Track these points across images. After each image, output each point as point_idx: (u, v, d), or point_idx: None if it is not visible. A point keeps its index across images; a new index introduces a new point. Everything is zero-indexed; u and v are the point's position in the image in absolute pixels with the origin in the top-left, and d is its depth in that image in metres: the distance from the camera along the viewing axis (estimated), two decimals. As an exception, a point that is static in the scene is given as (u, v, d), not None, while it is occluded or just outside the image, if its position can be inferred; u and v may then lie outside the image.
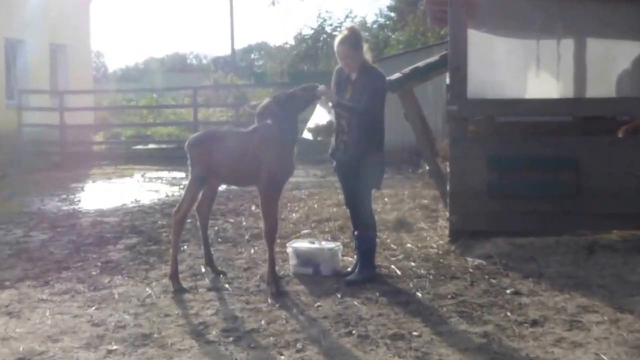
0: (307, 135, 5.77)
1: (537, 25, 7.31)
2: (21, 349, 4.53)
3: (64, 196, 11.69)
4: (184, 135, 18.38)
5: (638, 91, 7.39)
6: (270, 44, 60.56)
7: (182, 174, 13.78)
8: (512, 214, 6.84)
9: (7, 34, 17.83)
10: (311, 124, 5.75)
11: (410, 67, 7.86)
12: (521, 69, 7.82)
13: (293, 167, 5.90)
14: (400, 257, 6.67)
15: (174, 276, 5.89)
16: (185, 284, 5.90)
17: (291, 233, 7.84)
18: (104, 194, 12.01)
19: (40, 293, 5.84)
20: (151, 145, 19.33)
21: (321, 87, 5.72)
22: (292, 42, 40.48)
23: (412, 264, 6.40)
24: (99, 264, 6.79)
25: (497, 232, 6.82)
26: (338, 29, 33.53)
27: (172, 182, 13.42)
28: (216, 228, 8.26)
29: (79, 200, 11.29)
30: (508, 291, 5.50)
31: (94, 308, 5.38)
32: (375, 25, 34.43)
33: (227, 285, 5.90)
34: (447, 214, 7.26)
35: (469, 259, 6.48)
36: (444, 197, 7.68)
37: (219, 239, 7.72)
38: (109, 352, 4.47)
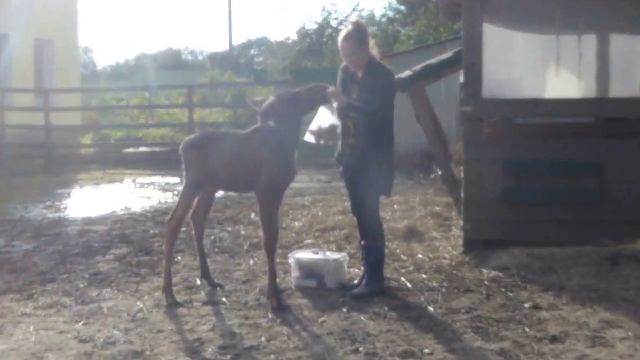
0: (308, 138, 5.78)
1: (558, 20, 7.30)
2: (3, 366, 4.56)
3: (49, 203, 11.73)
4: (178, 137, 18.48)
5: (666, 90, 7.39)
6: (271, 39, 60.76)
7: (176, 179, 13.82)
8: (531, 222, 6.85)
9: (-11, 28, 17.92)
10: (313, 126, 5.76)
11: (422, 65, 7.87)
12: (540, 67, 7.81)
13: (295, 172, 5.91)
14: (411, 268, 6.68)
15: (167, 289, 5.90)
16: (179, 298, 5.92)
17: (293, 243, 7.86)
18: (92, 201, 12.04)
19: (23, 307, 5.86)
20: (143, 148, 19.39)
21: (331, 89, 5.71)
22: (294, 37, 40.51)
23: (424, 276, 6.41)
24: (87, 275, 6.82)
25: (515, 241, 6.82)
26: (344, 22, 33.55)
27: (165, 188, 13.45)
28: (212, 237, 8.28)
29: (65, 207, 11.33)
30: (526, 305, 5.51)
31: (81, 323, 5.40)
32: (383, 19, 34.42)
33: (224, 299, 5.91)
34: (461, 222, 7.27)
35: (484, 270, 6.48)
36: (458, 204, 7.68)
37: (216, 249, 7.74)
38: (98, 370, 4.49)
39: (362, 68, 5.87)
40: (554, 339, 4.78)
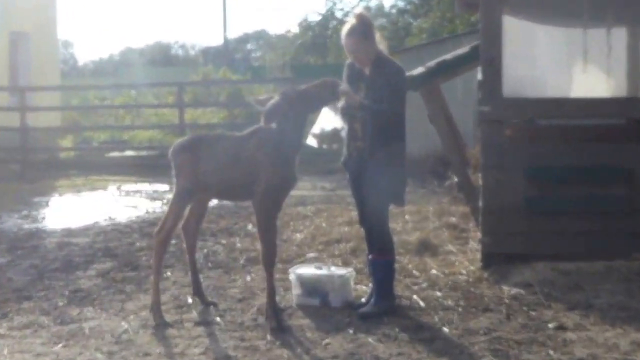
0: (311, 141, 5.79)
1: (585, 11, 7.33)
2: (-24, 393, 4.58)
3: (25, 212, 11.74)
4: (168, 140, 18.50)
5: None
6: (270, 32, 60.92)
7: (165, 187, 13.83)
8: (555, 234, 6.86)
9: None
10: (317, 128, 5.77)
11: (436, 61, 7.90)
12: (565, 63, 7.84)
13: (296, 178, 5.91)
14: (424, 285, 6.69)
15: (156, 308, 5.91)
16: (168, 317, 5.92)
17: (294, 257, 7.87)
18: (73, 210, 12.05)
19: (-3, 327, 5.88)
20: (128, 152, 19.40)
21: (344, 86, 5.71)
22: (295, 29, 40.69)
23: (438, 293, 6.42)
24: (67, 293, 6.83)
25: (538, 255, 6.83)
26: (350, 14, 33.62)
27: (154, 196, 13.46)
28: (205, 251, 8.29)
29: (43, 218, 11.35)
30: (550, 325, 5.52)
31: (60, 345, 5.41)
32: (394, 10, 34.55)
33: (218, 319, 5.93)
34: (479, 234, 7.28)
35: (504, 287, 6.49)
36: (476, 215, 7.70)
37: (209, 264, 7.75)
38: (79, 397, 4.51)
39: (369, 65, 5.88)
40: (581, 363, 4.80)
